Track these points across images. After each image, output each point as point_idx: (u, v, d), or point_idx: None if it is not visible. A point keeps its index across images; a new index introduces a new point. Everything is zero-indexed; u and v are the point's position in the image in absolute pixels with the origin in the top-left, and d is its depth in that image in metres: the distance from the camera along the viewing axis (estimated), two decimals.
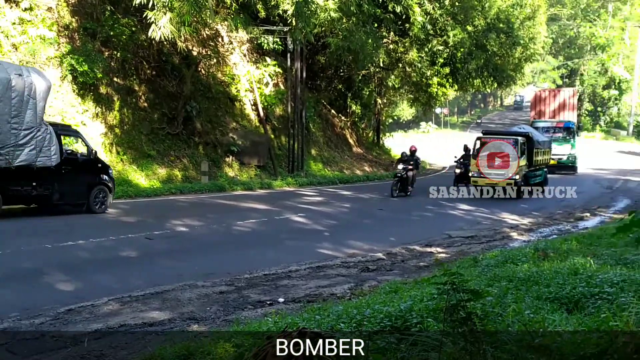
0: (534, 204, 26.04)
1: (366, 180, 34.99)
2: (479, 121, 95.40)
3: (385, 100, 47.35)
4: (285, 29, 30.97)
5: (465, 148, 30.38)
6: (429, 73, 40.07)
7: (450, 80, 41.25)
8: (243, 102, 32.87)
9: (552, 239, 16.01)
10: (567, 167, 39.78)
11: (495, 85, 44.70)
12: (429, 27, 36.94)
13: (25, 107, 16.42)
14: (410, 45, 38.14)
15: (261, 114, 32.94)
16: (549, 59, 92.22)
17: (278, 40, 31.45)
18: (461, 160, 29.32)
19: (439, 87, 42.89)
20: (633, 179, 37.31)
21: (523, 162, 26.96)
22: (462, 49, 38.28)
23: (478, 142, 27.10)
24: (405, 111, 77.44)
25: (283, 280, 11.77)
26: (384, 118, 49.27)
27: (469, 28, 38.06)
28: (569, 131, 41.07)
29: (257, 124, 33.05)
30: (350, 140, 42.53)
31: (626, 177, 38.40)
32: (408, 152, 28.19)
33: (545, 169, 30.75)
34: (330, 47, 32.64)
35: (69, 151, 17.93)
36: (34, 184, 16.88)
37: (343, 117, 42.59)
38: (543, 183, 29.75)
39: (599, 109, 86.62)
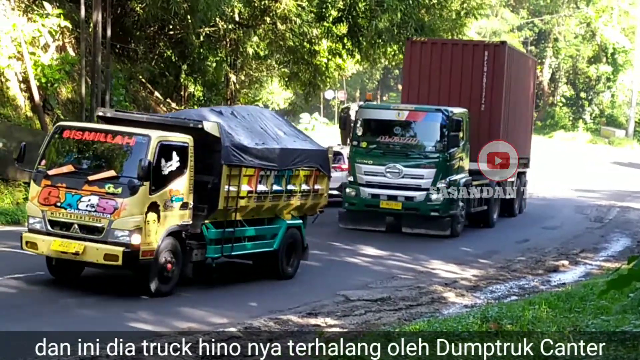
0: (481, 245, 26.52)
1: None
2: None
3: (244, 77, 47.31)
4: None
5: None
6: (314, 33, 40.33)
7: (348, 45, 41.62)
8: (5, 77, 32.19)
9: (510, 303, 16.34)
10: (428, 218, 28.79)
11: None
12: None
13: None
14: None
15: (36, 96, 32.26)
16: (505, 15, 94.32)
17: None
18: None
19: (330, 56, 43.19)
20: (635, 207, 38.40)
21: (159, 199, 16.82)
22: None
23: (58, 140, 17.85)
24: (278, 95, 77.73)
25: None
26: (242, 105, 49.22)
27: None
28: (441, 132, 28.87)
29: (30, 112, 32.43)
30: None
31: (624, 204, 39.48)
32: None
33: (299, 222, 21.02)
34: None
35: None
36: None
37: (174, 104, 42.31)
38: (276, 262, 20.28)
39: (583, 95, 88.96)
